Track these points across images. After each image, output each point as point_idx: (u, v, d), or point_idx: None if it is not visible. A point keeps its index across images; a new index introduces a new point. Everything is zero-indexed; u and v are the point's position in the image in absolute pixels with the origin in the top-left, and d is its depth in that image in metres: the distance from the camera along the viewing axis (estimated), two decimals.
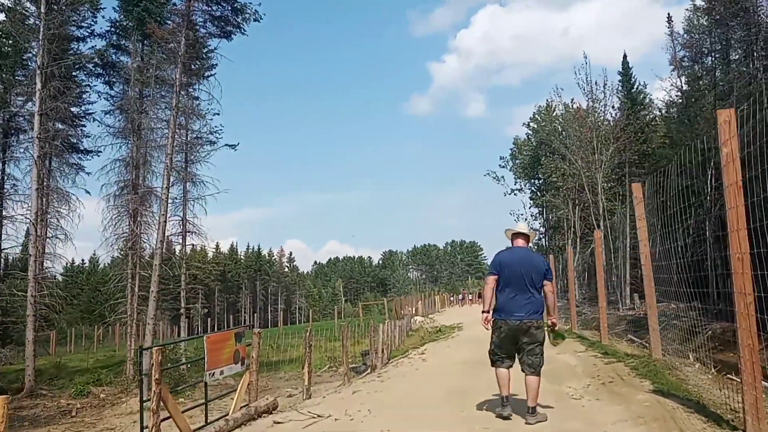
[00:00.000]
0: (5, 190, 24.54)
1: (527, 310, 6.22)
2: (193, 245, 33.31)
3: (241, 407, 8.86)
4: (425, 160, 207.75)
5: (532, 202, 54.32)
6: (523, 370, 6.34)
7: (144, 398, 7.33)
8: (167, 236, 22.33)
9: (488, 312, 6.43)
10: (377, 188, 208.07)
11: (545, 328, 6.53)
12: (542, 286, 6.36)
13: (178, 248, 24.78)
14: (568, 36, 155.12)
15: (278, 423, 7.67)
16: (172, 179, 24.03)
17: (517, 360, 6.48)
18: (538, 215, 55.35)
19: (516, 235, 6.61)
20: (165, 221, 20.08)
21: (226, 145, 25.80)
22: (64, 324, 57.70)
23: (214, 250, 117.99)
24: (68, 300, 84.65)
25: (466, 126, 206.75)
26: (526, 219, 52.56)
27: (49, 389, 19.63)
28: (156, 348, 7.10)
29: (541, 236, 56.59)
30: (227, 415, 8.49)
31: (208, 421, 8.31)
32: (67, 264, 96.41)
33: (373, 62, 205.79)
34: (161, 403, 7.20)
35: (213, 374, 8.30)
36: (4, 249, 25.71)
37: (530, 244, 6.85)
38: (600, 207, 36.63)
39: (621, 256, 35.98)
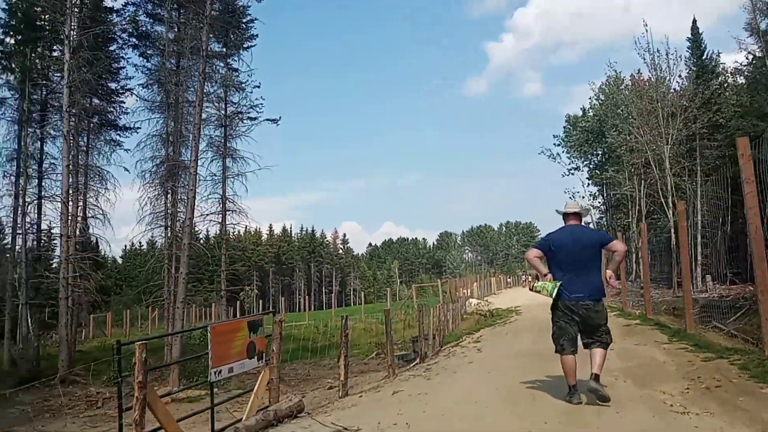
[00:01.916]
0: (44, 169, 23.83)
1: (585, 291, 5.96)
2: (246, 226, 32.52)
3: (258, 410, 7.41)
4: (481, 140, 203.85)
5: (590, 180, 51.67)
6: (588, 347, 6.06)
7: (126, 406, 5.92)
8: (203, 215, 21.27)
9: (547, 272, 6.21)
10: (433, 169, 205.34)
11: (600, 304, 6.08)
12: (600, 263, 6.14)
13: (217, 227, 23.65)
14: (629, 12, 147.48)
15: None
16: (210, 155, 22.95)
17: (581, 342, 6.15)
18: (597, 193, 52.64)
19: (567, 215, 6.35)
20: (194, 196, 18.80)
21: (267, 119, 24.52)
22: (121, 305, 58.43)
23: (268, 232, 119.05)
24: (127, 282, 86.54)
25: (522, 106, 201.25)
26: (583, 196, 50.05)
27: (84, 375, 18.75)
28: (139, 343, 5.66)
29: (602, 215, 53.94)
30: (238, 421, 7.03)
31: (215, 429, 6.88)
32: (126, 246, 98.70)
33: (429, 43, 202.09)
34: (148, 411, 5.82)
35: (219, 372, 6.85)
36: (44, 230, 25.08)
37: (584, 221, 6.72)
38: (668, 182, 34.05)
39: (691, 234, 33.38)
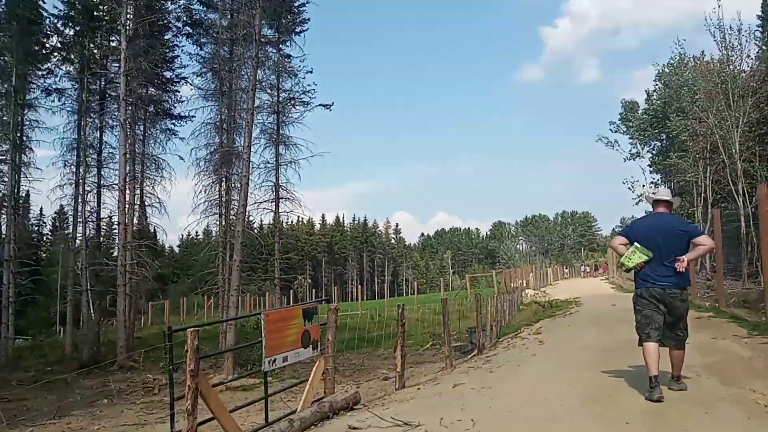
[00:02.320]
0: (103, 158, 24.23)
1: (671, 280, 5.73)
2: (299, 216, 32.57)
3: (312, 401, 7.11)
4: (536, 128, 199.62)
5: (651, 168, 49.85)
6: (665, 344, 5.83)
7: (179, 395, 5.69)
8: (257, 202, 21.26)
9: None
10: (486, 158, 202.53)
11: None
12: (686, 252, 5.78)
13: (271, 216, 23.64)
14: None
15: (354, 429, 5.84)
16: (263, 142, 22.91)
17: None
18: (659, 182, 50.77)
19: (657, 202, 6.15)
20: (247, 183, 18.67)
21: (321, 105, 24.29)
22: (178, 294, 59.59)
23: (320, 222, 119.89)
24: (184, 270, 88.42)
25: (579, 92, 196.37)
26: (643, 185, 48.57)
27: (141, 362, 18.96)
28: (191, 329, 5.39)
29: None
30: (293, 412, 6.74)
31: (269, 420, 6.58)
32: (182, 236, 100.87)
33: (483, 29, 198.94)
34: (200, 401, 5.57)
35: (274, 361, 6.55)
36: (104, 218, 25.52)
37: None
38: (738, 168, 32.38)
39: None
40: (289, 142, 23.02)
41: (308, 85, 24.50)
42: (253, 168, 20.99)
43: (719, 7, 34.36)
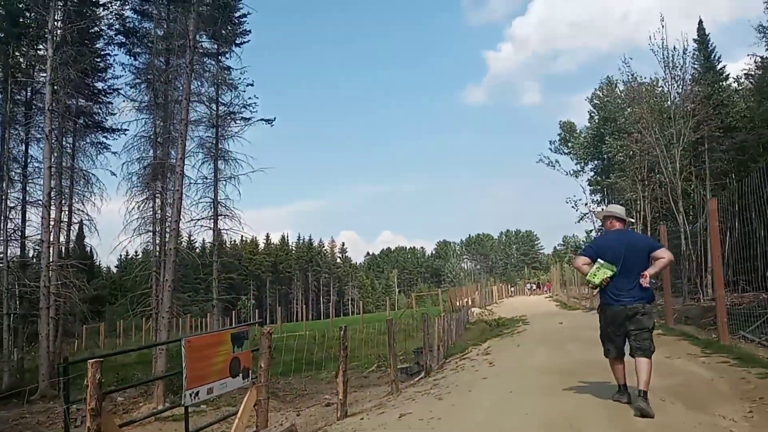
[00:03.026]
0: (29, 173, 22.78)
1: (633, 295, 5.77)
2: (242, 236, 31.55)
3: None
4: (479, 149, 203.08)
5: (591, 187, 50.62)
6: (632, 354, 5.82)
7: None
8: (194, 219, 20.24)
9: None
10: (431, 178, 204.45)
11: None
12: (648, 266, 5.82)
13: (211, 234, 22.61)
14: (628, 21, 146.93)
15: None
16: (201, 156, 21.99)
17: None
18: (600, 201, 51.57)
19: (614, 218, 6.17)
20: (180, 198, 17.70)
21: (262, 119, 23.60)
22: (114, 316, 57.21)
23: (264, 241, 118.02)
24: (122, 291, 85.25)
25: (520, 114, 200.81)
26: (586, 203, 49.25)
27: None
28: (92, 361, 4.60)
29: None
30: None
31: None
32: (121, 255, 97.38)
33: (428, 52, 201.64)
34: None
35: (197, 394, 5.77)
36: (31, 237, 23.94)
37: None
38: (678, 187, 32.98)
39: (701, 240, 32.34)
40: (229, 157, 22.24)
41: (249, 98, 23.84)
42: (189, 183, 20.15)
43: (663, 27, 35.05)
